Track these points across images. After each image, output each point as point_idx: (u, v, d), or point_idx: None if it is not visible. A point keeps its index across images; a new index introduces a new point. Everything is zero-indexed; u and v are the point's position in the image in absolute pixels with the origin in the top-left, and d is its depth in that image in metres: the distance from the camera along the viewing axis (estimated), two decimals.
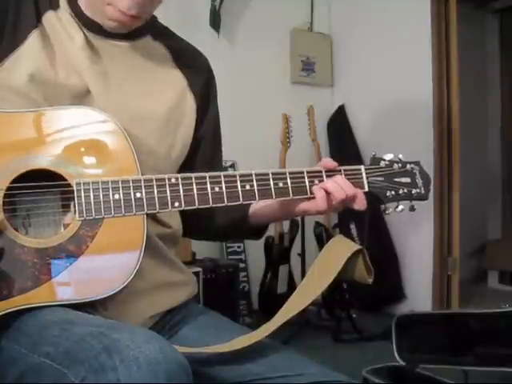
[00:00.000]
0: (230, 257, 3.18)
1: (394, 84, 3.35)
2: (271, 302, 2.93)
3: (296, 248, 3.02)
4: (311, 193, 0.96)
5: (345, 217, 3.31)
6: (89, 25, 0.99)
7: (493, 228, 4.46)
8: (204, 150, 1.11)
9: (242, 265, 3.14)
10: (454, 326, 1.97)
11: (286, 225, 3.06)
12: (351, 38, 3.64)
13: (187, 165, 1.07)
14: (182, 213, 1.05)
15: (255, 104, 3.32)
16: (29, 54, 0.93)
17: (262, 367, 0.93)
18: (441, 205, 3.17)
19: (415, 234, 3.29)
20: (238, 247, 3.23)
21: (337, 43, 3.74)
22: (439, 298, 3.18)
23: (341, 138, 3.62)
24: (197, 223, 1.09)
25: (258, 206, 1.07)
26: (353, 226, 3.26)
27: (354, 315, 2.97)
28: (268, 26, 3.43)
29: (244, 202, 0.92)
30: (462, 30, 3.33)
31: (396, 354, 1.97)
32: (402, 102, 3.34)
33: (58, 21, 0.98)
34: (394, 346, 1.98)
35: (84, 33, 0.98)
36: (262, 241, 3.02)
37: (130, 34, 1.02)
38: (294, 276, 3.03)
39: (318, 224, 3.00)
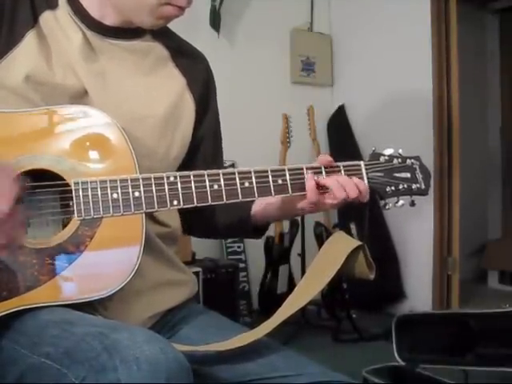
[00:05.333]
0: (230, 257, 3.17)
1: (394, 84, 3.35)
2: (271, 302, 2.92)
3: (296, 248, 3.02)
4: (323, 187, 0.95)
5: (345, 216, 3.31)
6: (88, 22, 0.98)
7: (493, 228, 4.46)
8: (204, 150, 1.10)
9: (242, 265, 3.13)
10: (453, 326, 1.97)
11: (286, 225, 3.05)
12: (351, 37, 3.63)
13: (187, 165, 1.05)
14: (183, 210, 1.04)
15: (255, 104, 3.31)
16: (25, 54, 0.93)
17: (262, 367, 0.92)
18: (441, 205, 3.17)
19: (415, 234, 3.29)
20: (238, 247, 3.22)
21: (337, 43, 3.74)
22: (439, 298, 3.18)
23: (341, 138, 3.62)
24: (198, 221, 1.09)
25: (259, 205, 1.06)
26: (353, 226, 3.25)
27: (354, 315, 2.97)
28: (268, 25, 3.42)
29: (242, 200, 0.91)
30: (462, 29, 3.33)
31: (396, 354, 1.97)
32: (402, 102, 3.33)
33: (56, 20, 0.97)
34: (394, 346, 1.98)
35: (82, 31, 0.98)
36: (261, 241, 3.03)
37: (130, 33, 1.02)
38: (294, 276, 3.03)
39: (318, 224, 3.00)
